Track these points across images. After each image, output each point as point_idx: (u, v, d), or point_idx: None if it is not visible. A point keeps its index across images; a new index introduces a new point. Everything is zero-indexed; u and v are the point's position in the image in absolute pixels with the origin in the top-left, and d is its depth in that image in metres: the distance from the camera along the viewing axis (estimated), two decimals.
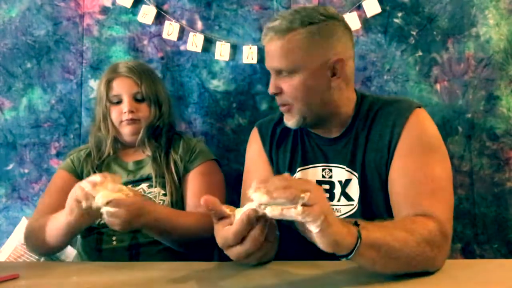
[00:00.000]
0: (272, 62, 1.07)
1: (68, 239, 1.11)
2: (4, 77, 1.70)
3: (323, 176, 1.11)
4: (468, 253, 1.55)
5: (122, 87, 1.35)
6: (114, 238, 1.26)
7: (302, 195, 0.68)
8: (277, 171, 1.16)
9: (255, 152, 1.21)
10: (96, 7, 1.69)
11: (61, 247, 1.17)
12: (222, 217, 0.81)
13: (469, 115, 1.58)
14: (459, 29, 1.59)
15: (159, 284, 0.88)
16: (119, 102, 1.35)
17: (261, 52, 1.64)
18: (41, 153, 1.69)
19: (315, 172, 1.12)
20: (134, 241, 1.25)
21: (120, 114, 1.34)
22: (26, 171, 1.69)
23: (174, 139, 1.40)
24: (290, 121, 1.10)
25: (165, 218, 1.14)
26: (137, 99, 1.36)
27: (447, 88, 1.59)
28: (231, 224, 0.78)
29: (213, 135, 1.67)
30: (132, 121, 1.34)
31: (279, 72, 1.07)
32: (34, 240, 1.18)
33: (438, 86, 1.60)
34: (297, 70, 1.05)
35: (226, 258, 0.83)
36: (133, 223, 1.02)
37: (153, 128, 1.37)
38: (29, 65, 1.70)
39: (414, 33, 1.60)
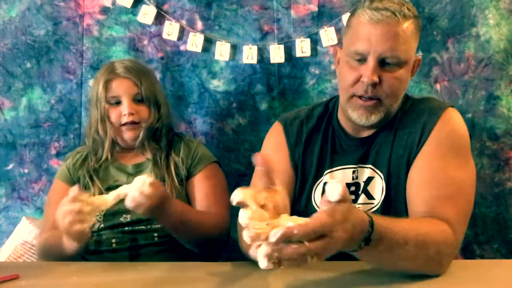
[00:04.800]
0: (384, 47, 0.96)
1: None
2: (4, 77, 1.70)
3: (353, 178, 1.06)
4: (468, 253, 1.55)
5: (121, 88, 1.30)
6: (113, 240, 1.24)
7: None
8: (302, 173, 1.10)
9: (277, 144, 1.14)
10: (96, 7, 1.69)
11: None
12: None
13: (469, 115, 1.58)
14: (459, 29, 1.58)
15: (159, 284, 0.88)
16: (118, 103, 1.31)
17: (261, 52, 1.64)
18: (41, 153, 1.69)
19: (345, 174, 1.07)
20: (134, 243, 1.24)
21: (120, 116, 1.30)
22: (26, 171, 1.69)
23: (175, 141, 1.37)
24: (372, 117, 1.02)
25: (183, 211, 1.15)
26: (137, 100, 1.32)
27: (447, 88, 1.59)
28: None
29: (213, 135, 1.67)
30: (133, 125, 1.30)
31: (383, 61, 0.97)
32: (49, 256, 1.18)
33: (438, 86, 1.59)
34: (405, 63, 0.99)
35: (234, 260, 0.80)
36: (156, 208, 1.01)
37: (153, 130, 1.33)
38: (29, 65, 1.70)
39: None
